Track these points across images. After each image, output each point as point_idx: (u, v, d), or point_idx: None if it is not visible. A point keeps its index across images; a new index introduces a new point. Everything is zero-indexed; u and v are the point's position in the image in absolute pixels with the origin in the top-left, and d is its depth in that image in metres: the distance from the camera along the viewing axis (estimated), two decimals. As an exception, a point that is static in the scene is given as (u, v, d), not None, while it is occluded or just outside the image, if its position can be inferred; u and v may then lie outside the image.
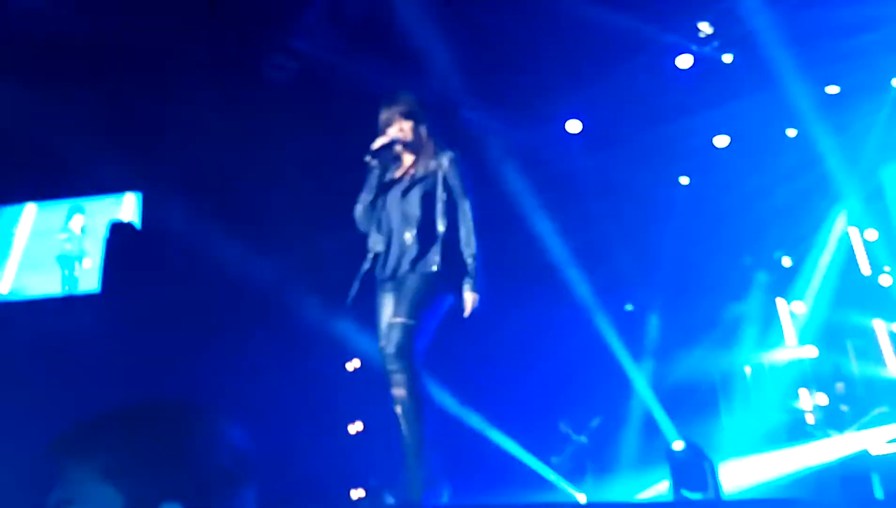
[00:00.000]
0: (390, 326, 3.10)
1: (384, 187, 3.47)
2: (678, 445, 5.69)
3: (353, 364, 8.51)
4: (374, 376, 8.27)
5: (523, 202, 8.67)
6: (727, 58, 8.28)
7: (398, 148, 3.47)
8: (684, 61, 8.33)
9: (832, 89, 8.55)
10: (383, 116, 3.50)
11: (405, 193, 3.40)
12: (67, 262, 8.43)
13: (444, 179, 3.39)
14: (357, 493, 8.11)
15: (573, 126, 9.17)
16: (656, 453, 6.68)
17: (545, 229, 8.83)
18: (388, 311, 3.25)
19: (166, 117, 7.87)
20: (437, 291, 3.21)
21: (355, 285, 3.36)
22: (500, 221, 8.37)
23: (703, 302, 8.95)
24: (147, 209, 8.45)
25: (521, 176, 8.82)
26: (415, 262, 3.25)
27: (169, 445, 0.82)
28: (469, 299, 3.23)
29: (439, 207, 3.35)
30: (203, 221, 7.02)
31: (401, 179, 3.46)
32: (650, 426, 8.41)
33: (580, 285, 8.96)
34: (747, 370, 9.38)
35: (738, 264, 9.53)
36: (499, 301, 8.21)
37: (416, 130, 3.48)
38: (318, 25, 7.18)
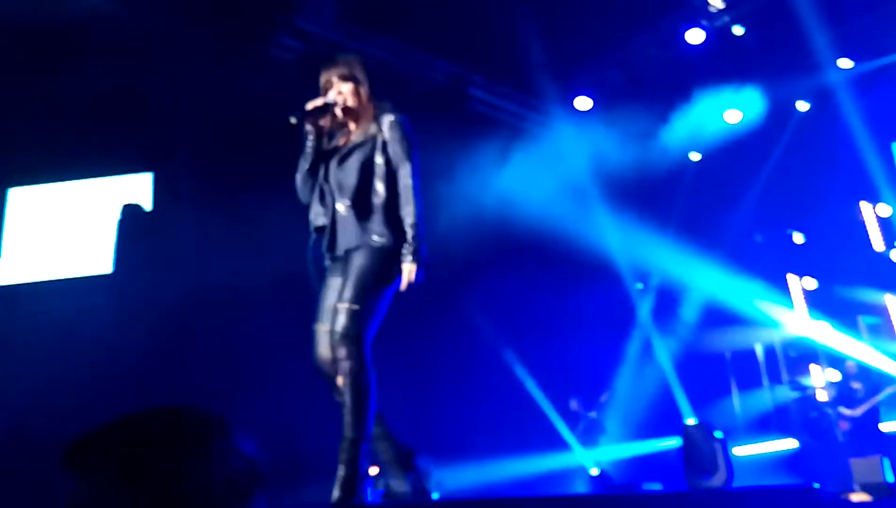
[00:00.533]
0: (335, 311, 2.87)
1: (326, 156, 3.24)
2: (691, 422, 5.70)
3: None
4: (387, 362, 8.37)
5: (533, 182, 8.62)
6: (738, 30, 8.16)
7: (339, 114, 3.23)
8: (695, 36, 8.22)
9: (844, 63, 8.44)
10: (322, 79, 3.28)
11: (342, 161, 3.15)
12: (79, 243, 8.48)
13: (384, 144, 3.13)
14: (372, 470, 8.17)
15: (583, 103, 9.09)
16: (669, 429, 6.67)
17: (557, 208, 8.80)
18: (332, 298, 3.01)
19: (175, 98, 7.87)
20: (384, 267, 2.95)
21: (311, 269, 3.12)
22: (510, 200, 8.36)
23: (714, 278, 8.90)
24: (158, 190, 8.46)
25: (531, 155, 8.77)
26: (356, 236, 3.00)
27: (184, 454, 0.82)
28: (405, 270, 2.94)
29: (377, 174, 3.08)
30: (213, 201, 7.03)
31: (341, 147, 3.24)
32: (662, 404, 8.41)
33: (590, 263, 8.94)
34: (758, 347, 9.35)
35: (749, 241, 9.47)
36: (513, 279, 8.25)
37: (356, 94, 3.24)
38: (324, 5, 7.12)
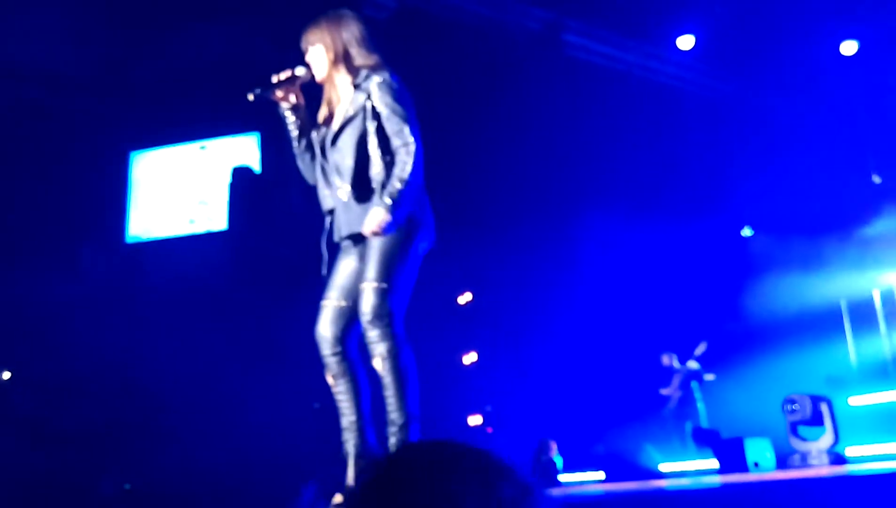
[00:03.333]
0: (360, 292, 2.68)
1: (320, 130, 2.97)
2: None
3: (465, 297, 8.71)
4: (485, 309, 8.52)
5: (631, 128, 8.43)
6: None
7: (328, 91, 2.95)
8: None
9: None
10: (301, 47, 2.97)
11: (335, 140, 2.87)
12: (194, 203, 9.00)
13: (375, 111, 2.80)
14: (474, 419, 8.43)
15: (685, 42, 8.74)
16: (773, 388, 6.47)
17: (656, 154, 8.59)
18: (346, 274, 2.83)
19: (278, 58, 8.12)
20: (402, 240, 2.72)
21: (324, 253, 2.91)
22: (605, 148, 8.24)
23: (829, 224, 8.49)
24: (265, 150, 8.84)
25: (631, 101, 8.55)
26: (360, 220, 2.73)
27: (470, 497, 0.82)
28: (375, 215, 2.65)
29: (372, 146, 2.78)
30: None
31: (330, 123, 2.94)
32: (767, 356, 8.15)
33: (692, 211, 8.71)
34: (876, 294, 8.88)
35: (867, 183, 8.94)
36: (607, 228, 8.17)
37: (327, 59, 2.89)
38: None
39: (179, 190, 9.09)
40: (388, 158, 2.78)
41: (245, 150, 8.89)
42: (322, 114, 2.98)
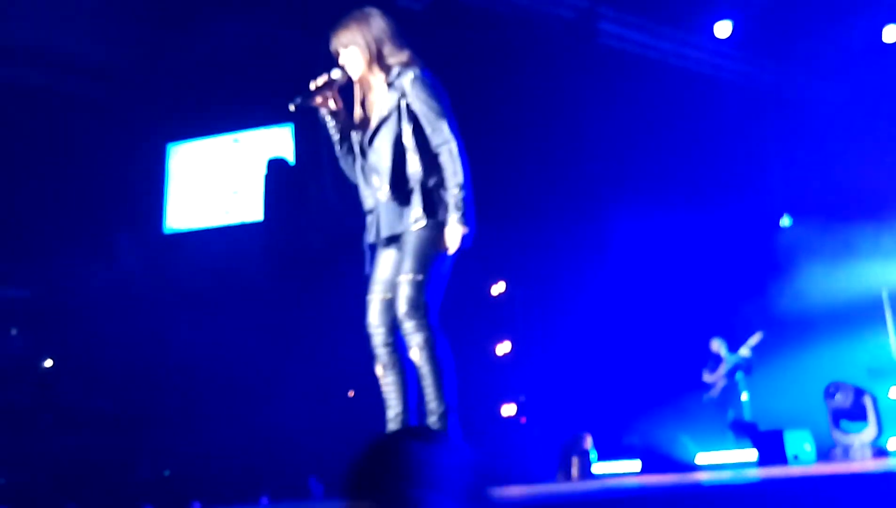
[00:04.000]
0: (397, 284, 2.74)
1: (360, 130, 2.95)
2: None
3: (498, 288, 8.70)
4: (519, 299, 8.49)
5: (666, 117, 8.32)
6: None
7: (362, 90, 2.94)
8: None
9: None
10: (331, 48, 2.94)
11: (371, 140, 2.88)
12: (230, 194, 9.10)
13: (409, 109, 2.80)
14: (508, 409, 8.43)
15: (722, 29, 8.59)
16: (813, 382, 6.34)
17: (692, 142, 8.47)
18: (387, 267, 2.86)
19: (312, 49, 8.16)
20: (440, 236, 2.74)
21: (367, 253, 2.94)
22: (640, 137, 8.14)
23: (869, 212, 8.29)
24: (299, 141, 8.90)
25: (667, 89, 8.44)
26: (399, 221, 2.79)
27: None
28: (453, 233, 2.71)
29: (409, 146, 2.79)
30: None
31: (367, 124, 2.93)
32: (807, 347, 8.00)
33: (729, 199, 8.57)
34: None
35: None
36: (641, 216, 8.09)
37: (361, 59, 2.88)
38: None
39: (215, 181, 9.20)
40: (425, 156, 2.79)
41: (279, 141, 8.96)
42: (357, 114, 2.97)
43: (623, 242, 8.16)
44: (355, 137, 2.95)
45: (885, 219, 8.26)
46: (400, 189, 2.79)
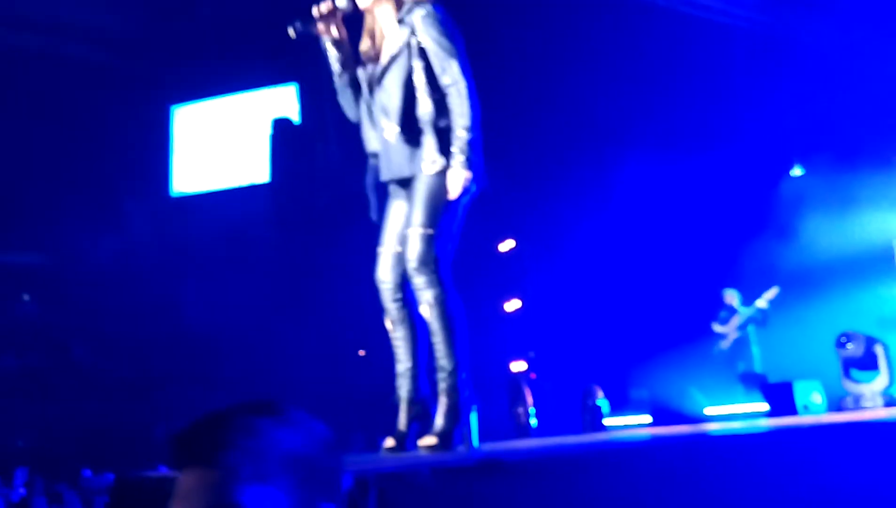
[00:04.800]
0: (406, 237, 2.65)
1: (366, 66, 2.84)
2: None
3: (507, 245, 8.67)
4: (528, 255, 8.48)
5: (677, 67, 8.19)
6: None
7: (370, 22, 2.82)
8: None
9: None
10: None
11: (380, 78, 2.76)
12: (236, 155, 9.06)
13: (420, 47, 2.69)
14: (517, 365, 8.47)
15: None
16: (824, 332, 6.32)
17: (701, 93, 8.35)
18: (398, 219, 2.77)
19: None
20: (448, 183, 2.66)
21: (371, 197, 2.85)
22: (650, 88, 8.03)
23: (881, 161, 8.19)
24: (304, 101, 8.82)
25: (676, 38, 8.29)
26: (411, 162, 2.69)
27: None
28: (456, 177, 2.61)
29: (420, 85, 2.68)
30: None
31: (376, 60, 2.81)
32: (816, 297, 7.96)
33: (739, 150, 8.47)
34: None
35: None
36: (651, 169, 8.01)
37: None
38: None
39: (220, 143, 9.16)
40: (437, 95, 2.68)
41: (284, 100, 8.88)
42: (364, 46, 2.85)
43: (630, 194, 8.10)
44: (361, 73, 2.84)
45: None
46: (410, 130, 2.69)
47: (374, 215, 2.85)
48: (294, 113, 8.65)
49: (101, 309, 8.17)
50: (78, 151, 8.34)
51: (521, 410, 6.50)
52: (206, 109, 9.27)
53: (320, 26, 2.79)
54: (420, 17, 2.70)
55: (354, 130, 2.98)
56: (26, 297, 8.88)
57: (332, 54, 2.83)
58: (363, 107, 2.84)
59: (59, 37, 8.49)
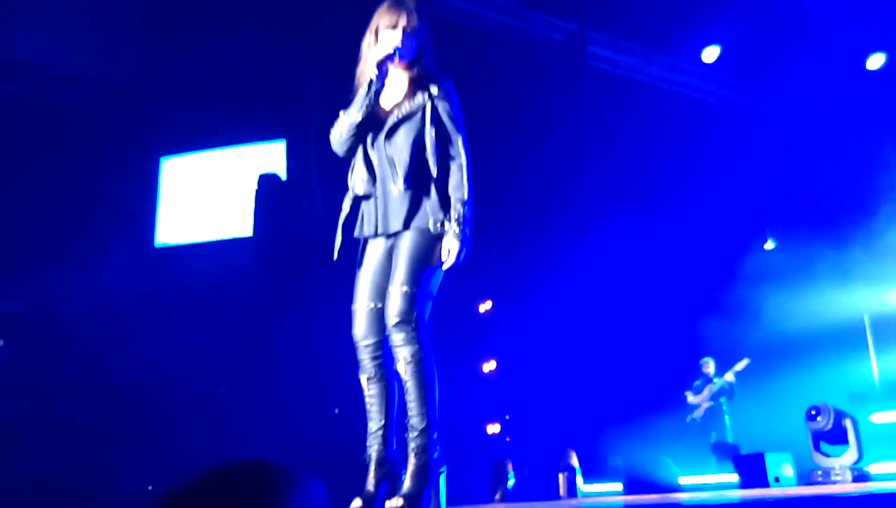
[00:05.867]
0: (388, 295, 2.69)
1: (374, 119, 2.87)
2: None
3: (484, 306, 8.74)
4: (505, 317, 8.54)
5: (654, 139, 8.45)
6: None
7: (392, 65, 2.84)
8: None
9: None
10: (385, 19, 2.86)
11: (390, 133, 2.82)
12: (221, 208, 9.12)
13: (434, 115, 2.81)
14: (492, 428, 8.45)
15: (710, 54, 8.74)
16: (794, 406, 6.40)
17: (679, 165, 8.60)
18: (377, 275, 2.81)
19: (305, 67, 8.26)
20: (435, 248, 2.74)
21: (339, 236, 2.88)
22: (627, 159, 8.26)
23: (852, 237, 8.41)
24: (291, 157, 8.94)
25: (654, 111, 8.57)
26: (407, 218, 2.75)
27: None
28: (449, 247, 2.71)
29: (429, 149, 2.79)
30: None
31: (388, 113, 2.87)
32: (788, 371, 8.07)
33: (714, 222, 8.69)
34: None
35: (892, 197, 8.85)
36: (627, 238, 8.16)
37: (418, 52, 2.88)
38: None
39: (206, 196, 9.22)
40: (442, 164, 2.80)
41: (272, 156, 9.00)
42: (386, 105, 2.90)
43: (608, 261, 8.24)
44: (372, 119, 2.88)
45: (868, 244, 8.40)
46: (415, 185, 2.77)
47: (336, 255, 2.88)
48: (281, 169, 8.77)
49: (78, 357, 8.08)
50: (64, 198, 8.37)
51: (498, 495, 6.43)
52: (194, 162, 9.37)
53: (381, 68, 2.81)
54: (442, 88, 2.84)
55: (340, 186, 3.05)
56: (0, 342, 8.76)
57: (372, 97, 2.82)
58: (359, 151, 2.89)
59: (50, 85, 8.60)
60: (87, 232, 8.55)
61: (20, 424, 7.91)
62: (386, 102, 2.90)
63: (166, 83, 8.75)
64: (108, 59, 8.51)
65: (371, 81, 2.79)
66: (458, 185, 2.78)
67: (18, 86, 8.40)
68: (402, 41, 2.82)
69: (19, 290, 8.42)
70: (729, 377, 8.17)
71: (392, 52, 2.79)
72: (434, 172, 2.78)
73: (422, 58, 2.89)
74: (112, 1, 7.80)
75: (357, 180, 2.88)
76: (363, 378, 2.82)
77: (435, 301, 2.82)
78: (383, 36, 2.85)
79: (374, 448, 2.77)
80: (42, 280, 8.16)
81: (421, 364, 2.66)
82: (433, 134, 2.80)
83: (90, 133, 8.62)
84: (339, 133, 2.88)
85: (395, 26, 2.83)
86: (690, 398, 8.39)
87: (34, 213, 8.29)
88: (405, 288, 2.66)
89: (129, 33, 8.18)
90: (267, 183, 8.19)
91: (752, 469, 5.37)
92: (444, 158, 2.81)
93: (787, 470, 5.37)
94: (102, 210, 8.66)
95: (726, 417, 8.18)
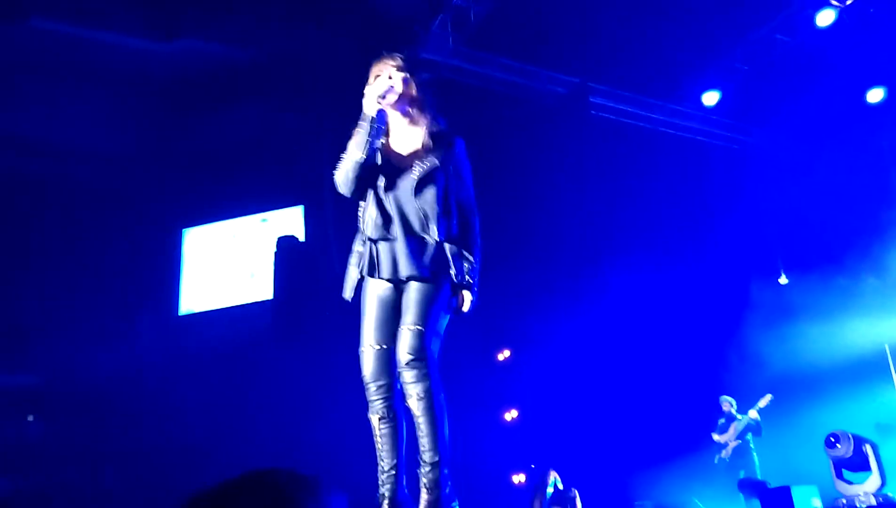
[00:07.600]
0: (402, 333, 2.78)
1: (387, 165, 2.98)
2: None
3: (503, 355, 8.80)
4: (524, 365, 8.58)
5: (660, 183, 8.60)
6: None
7: (394, 109, 2.97)
8: (825, 18, 7.87)
9: None
10: (377, 67, 3.03)
11: (419, 188, 2.91)
12: (243, 274, 9.33)
13: (455, 170, 3.00)
14: (518, 477, 8.40)
15: (710, 98, 8.95)
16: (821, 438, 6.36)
17: (687, 208, 8.73)
18: (386, 317, 2.89)
19: (317, 132, 8.54)
20: (446, 292, 2.91)
21: (354, 275, 2.98)
22: (636, 203, 8.40)
23: (867, 267, 8.44)
24: (309, 221, 9.18)
25: (659, 156, 8.75)
26: (430, 266, 2.87)
27: None
28: (465, 299, 2.95)
29: (452, 203, 2.98)
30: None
31: (409, 164, 2.96)
32: (814, 404, 8.01)
33: (728, 261, 8.76)
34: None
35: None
36: (642, 280, 8.24)
37: (408, 99, 3.00)
38: (443, 34, 7.48)
39: (228, 262, 9.45)
40: (460, 219, 3.02)
41: (290, 222, 9.24)
42: (401, 151, 3.04)
43: (625, 304, 8.30)
44: (378, 160, 2.97)
45: (881, 273, 8.42)
46: (439, 235, 2.90)
47: (349, 295, 2.98)
48: (299, 233, 8.99)
49: (104, 428, 8.19)
50: (92, 273, 8.60)
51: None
52: (215, 231, 9.63)
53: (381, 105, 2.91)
54: (460, 146, 3.05)
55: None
56: (30, 418, 8.91)
57: (374, 134, 2.90)
58: (370, 195, 2.97)
59: (71, 161, 8.87)
60: (113, 304, 8.77)
61: (46, 498, 7.99)
62: (400, 151, 3.02)
63: (183, 156, 9.07)
64: (128, 135, 8.84)
65: (372, 118, 2.88)
66: (472, 240, 3.01)
67: (40, 163, 8.69)
68: (395, 80, 2.95)
69: (49, 364, 8.61)
70: (753, 413, 8.10)
71: (388, 87, 2.90)
72: (454, 224, 2.97)
73: (422, 105, 3.01)
74: (128, 78, 8.12)
75: (370, 224, 2.95)
76: (374, 419, 2.88)
77: (454, 351, 3.00)
78: (378, 79, 2.99)
79: (386, 487, 2.83)
80: (70, 353, 8.35)
81: (433, 401, 2.74)
82: (454, 188, 3.00)
83: (114, 209, 8.90)
84: (345, 172, 2.93)
85: (380, 72, 3.01)
86: (716, 437, 8.31)
87: (60, 288, 8.52)
88: (419, 327, 2.76)
89: (146, 109, 8.51)
90: (286, 245, 8.40)
91: (779, 503, 5.33)
92: (461, 212, 3.02)
93: (816, 503, 5.33)
94: (128, 283, 8.89)
95: (754, 454, 8.08)
